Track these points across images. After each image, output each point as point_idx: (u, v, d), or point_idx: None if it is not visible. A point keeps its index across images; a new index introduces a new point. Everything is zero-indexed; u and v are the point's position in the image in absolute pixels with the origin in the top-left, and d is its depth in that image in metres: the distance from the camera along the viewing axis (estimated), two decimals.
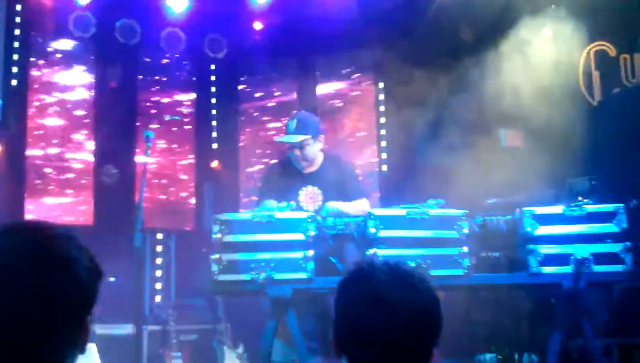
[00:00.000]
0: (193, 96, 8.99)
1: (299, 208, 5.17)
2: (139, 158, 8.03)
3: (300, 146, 5.32)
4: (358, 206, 5.24)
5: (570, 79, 7.40)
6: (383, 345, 1.64)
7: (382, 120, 8.52)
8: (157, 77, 8.71)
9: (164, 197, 8.55)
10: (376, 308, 1.65)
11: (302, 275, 4.29)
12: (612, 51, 7.37)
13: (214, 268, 4.31)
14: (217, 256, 4.33)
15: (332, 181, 5.38)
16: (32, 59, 7.93)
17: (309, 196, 5.32)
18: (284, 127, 5.46)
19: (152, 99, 8.65)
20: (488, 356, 4.79)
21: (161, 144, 8.51)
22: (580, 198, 4.81)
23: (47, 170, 7.88)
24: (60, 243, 1.40)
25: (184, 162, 8.82)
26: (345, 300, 1.73)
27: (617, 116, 6.15)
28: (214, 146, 9.03)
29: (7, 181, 7.31)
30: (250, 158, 9.03)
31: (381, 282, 1.68)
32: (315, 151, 5.42)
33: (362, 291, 1.69)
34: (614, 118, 6.21)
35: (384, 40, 8.19)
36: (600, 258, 4.31)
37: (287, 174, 5.43)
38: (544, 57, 7.26)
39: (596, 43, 7.47)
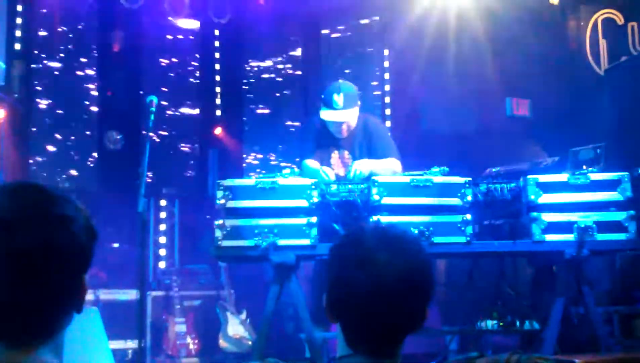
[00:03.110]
0: (197, 61, 8.94)
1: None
2: (143, 123, 8.01)
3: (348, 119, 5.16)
4: (387, 165, 5.09)
5: (577, 47, 7.35)
6: (373, 309, 1.65)
7: (387, 88, 8.48)
8: (161, 42, 8.66)
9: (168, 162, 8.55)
10: (364, 272, 1.66)
11: (306, 241, 4.30)
12: (619, 19, 7.31)
13: (218, 233, 4.32)
14: (220, 221, 4.33)
15: (361, 142, 5.25)
16: (35, 23, 7.88)
17: (341, 161, 5.25)
18: (325, 100, 5.14)
19: (156, 63, 8.61)
20: (490, 323, 4.81)
21: (165, 109, 8.48)
22: (585, 167, 4.80)
23: (51, 135, 7.87)
24: (58, 202, 1.41)
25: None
26: (335, 265, 1.74)
27: (624, 84, 6.11)
28: (218, 112, 9.01)
29: (11, 145, 7.31)
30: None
31: (370, 246, 1.69)
32: (356, 118, 5.26)
33: (352, 255, 1.70)
34: (620, 87, 6.18)
35: (390, 4, 8.13)
36: (604, 227, 4.32)
37: (322, 135, 5.29)
38: (550, 24, 7.21)
39: (603, 11, 7.41)
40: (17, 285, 1.33)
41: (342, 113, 5.11)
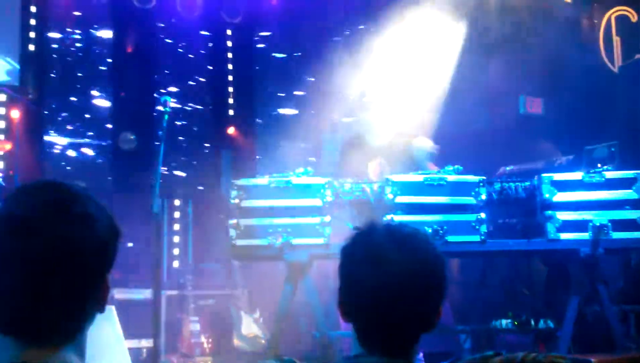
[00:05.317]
0: (209, 61, 8.97)
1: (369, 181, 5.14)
2: (157, 123, 8.05)
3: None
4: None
5: (590, 44, 7.32)
6: (384, 308, 1.65)
7: None
8: (173, 42, 8.69)
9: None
10: (374, 271, 1.65)
11: (320, 240, 4.31)
12: (633, 16, 7.27)
13: (232, 233, 4.33)
14: (234, 221, 4.34)
15: (399, 150, 5.30)
16: (49, 24, 7.92)
17: (376, 168, 5.26)
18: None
19: (169, 64, 8.64)
20: (504, 322, 4.80)
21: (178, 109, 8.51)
22: (599, 165, 4.78)
23: (65, 135, 7.92)
24: (80, 201, 1.40)
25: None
26: (346, 264, 1.74)
27: (638, 81, 6.07)
28: (230, 112, 9.03)
29: (25, 145, 7.36)
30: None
31: (379, 245, 1.68)
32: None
33: (361, 254, 1.70)
34: (634, 84, 6.14)
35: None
36: (619, 225, 4.29)
37: (360, 148, 5.37)
38: (564, 22, 7.18)
39: (617, 8, 7.37)
40: (40, 285, 1.33)
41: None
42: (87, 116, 8.06)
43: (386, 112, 5.25)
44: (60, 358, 1.35)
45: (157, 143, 5.82)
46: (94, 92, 8.13)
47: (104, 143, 8.08)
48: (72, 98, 8.02)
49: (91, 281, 1.40)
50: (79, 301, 1.38)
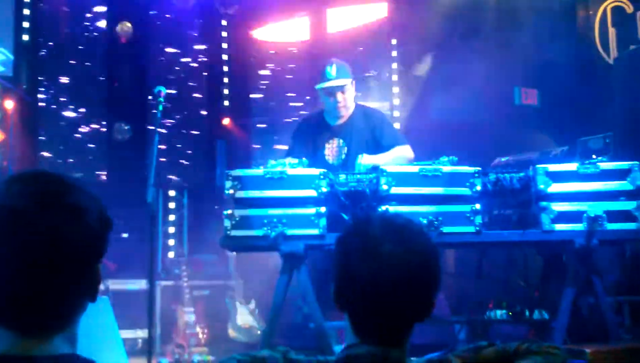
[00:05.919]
0: (204, 52, 8.94)
1: (324, 161, 5.16)
2: (151, 114, 8.03)
3: (343, 90, 5.24)
4: (396, 154, 5.13)
5: (586, 35, 7.31)
6: (378, 299, 1.66)
7: (395, 78, 8.47)
8: (168, 33, 8.65)
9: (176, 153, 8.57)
10: (369, 261, 1.66)
11: (315, 231, 4.30)
12: (629, 7, 7.26)
13: (227, 223, 4.33)
14: (229, 211, 4.34)
15: (358, 131, 5.30)
16: (42, 14, 7.89)
17: (334, 149, 5.28)
18: (320, 76, 5.31)
19: (163, 54, 8.61)
20: (499, 312, 4.81)
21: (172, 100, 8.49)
22: (594, 156, 4.78)
23: (60, 126, 7.89)
24: (72, 191, 1.40)
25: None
26: (341, 255, 1.75)
27: (633, 73, 6.07)
28: (226, 103, 9.01)
29: (20, 136, 7.33)
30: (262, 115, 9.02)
31: (374, 236, 1.69)
32: (353, 97, 5.35)
33: (356, 245, 1.71)
34: (629, 76, 6.14)
35: None
36: (614, 216, 4.30)
37: (316, 128, 5.38)
38: (559, 13, 7.17)
39: None
40: (30, 274, 1.32)
41: (336, 81, 5.21)
42: (80, 106, 8.03)
43: (343, 75, 5.25)
44: (50, 348, 1.35)
45: (151, 133, 5.81)
46: (88, 82, 8.09)
47: (98, 133, 8.05)
48: (66, 88, 7.98)
49: (82, 272, 1.40)
50: (70, 291, 1.38)
